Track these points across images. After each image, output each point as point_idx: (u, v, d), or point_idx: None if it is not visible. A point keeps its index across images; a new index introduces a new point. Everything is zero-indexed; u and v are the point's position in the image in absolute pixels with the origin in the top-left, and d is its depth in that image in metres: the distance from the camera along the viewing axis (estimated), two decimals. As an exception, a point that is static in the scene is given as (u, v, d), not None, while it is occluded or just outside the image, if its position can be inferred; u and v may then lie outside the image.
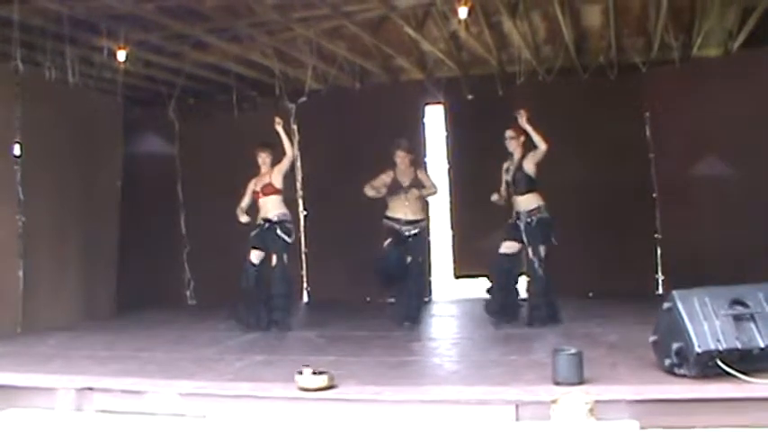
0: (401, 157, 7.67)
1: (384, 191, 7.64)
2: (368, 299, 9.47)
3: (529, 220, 7.20)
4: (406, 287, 7.63)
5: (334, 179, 9.73)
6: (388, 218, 7.63)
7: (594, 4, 8.75)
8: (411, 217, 7.63)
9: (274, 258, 7.52)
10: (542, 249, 7.15)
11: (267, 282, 7.56)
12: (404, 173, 7.68)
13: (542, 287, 7.14)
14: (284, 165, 7.68)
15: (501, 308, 7.36)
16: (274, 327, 7.44)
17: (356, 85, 10.51)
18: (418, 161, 9.82)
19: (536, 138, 7.11)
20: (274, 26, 8.63)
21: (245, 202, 7.70)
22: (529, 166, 7.26)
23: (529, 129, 7.12)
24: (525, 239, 7.21)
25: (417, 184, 7.63)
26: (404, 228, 7.59)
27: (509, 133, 7.36)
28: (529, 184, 7.26)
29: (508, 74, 10.00)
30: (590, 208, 9.11)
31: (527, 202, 7.26)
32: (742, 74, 8.27)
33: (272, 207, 7.59)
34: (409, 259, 7.59)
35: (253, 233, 7.57)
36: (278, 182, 7.62)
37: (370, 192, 7.67)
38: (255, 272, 7.55)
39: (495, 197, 7.47)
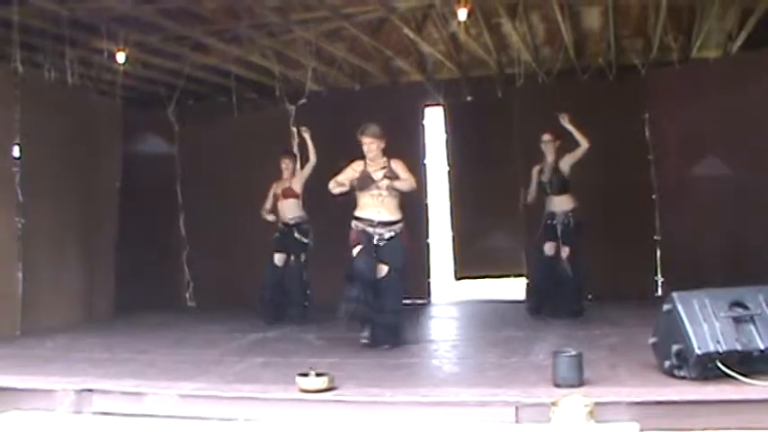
0: (368, 144, 6.39)
1: (347, 186, 6.43)
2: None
3: (567, 221, 7.62)
4: (381, 303, 6.29)
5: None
6: (358, 218, 6.42)
7: (594, 6, 8.76)
8: (385, 218, 6.37)
9: (293, 258, 8.15)
10: (568, 250, 7.64)
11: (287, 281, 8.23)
12: (375, 162, 6.44)
13: (574, 285, 7.68)
14: (306, 171, 8.13)
15: (540, 306, 7.77)
16: (293, 322, 7.92)
17: (356, 87, 10.52)
18: (415, 158, 9.82)
19: (579, 137, 7.51)
20: (274, 28, 8.65)
21: (268, 204, 8.30)
22: (565, 168, 7.66)
23: (572, 129, 7.52)
24: (561, 239, 7.63)
25: (391, 175, 6.38)
26: (376, 230, 6.35)
27: (546, 137, 7.75)
28: (564, 185, 7.68)
29: (507, 75, 10.01)
30: (589, 209, 9.10)
31: (564, 203, 7.68)
32: (741, 75, 8.26)
33: (289, 210, 8.16)
34: (385, 269, 6.31)
35: (275, 237, 8.17)
36: (297, 187, 8.14)
37: (335, 188, 6.54)
38: (278, 273, 8.14)
39: (529, 199, 7.91)
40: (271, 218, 8.26)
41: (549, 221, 7.78)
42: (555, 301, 7.82)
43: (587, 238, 7.80)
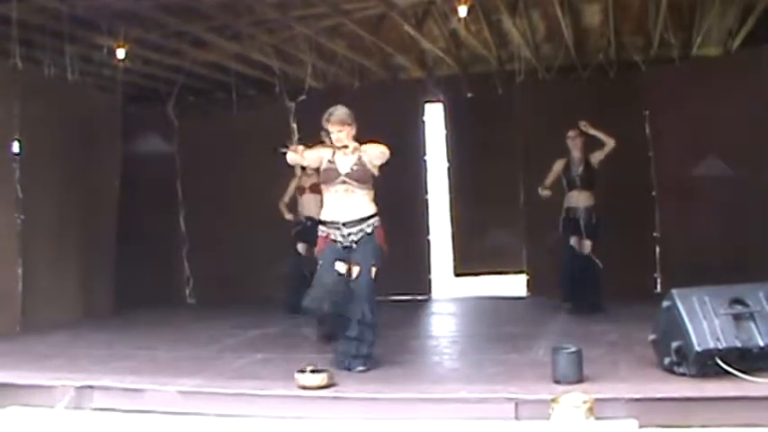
0: (336, 132, 5.37)
1: (300, 156, 5.42)
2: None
3: (589, 216, 7.75)
4: (352, 313, 5.23)
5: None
6: (323, 222, 5.47)
7: (594, 3, 8.75)
8: (353, 215, 5.33)
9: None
10: (591, 244, 7.77)
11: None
12: (345, 151, 5.40)
13: (595, 280, 7.78)
14: None
15: (579, 302, 7.74)
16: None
17: (355, 84, 10.50)
18: (415, 154, 9.80)
19: (603, 137, 7.66)
20: (274, 24, 8.64)
21: (287, 197, 8.56)
22: (594, 163, 7.77)
23: (595, 133, 7.69)
24: (584, 233, 7.73)
25: (361, 167, 5.37)
26: (342, 232, 5.33)
27: (572, 132, 7.83)
28: (592, 181, 7.79)
29: (508, 72, 10.01)
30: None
31: (587, 199, 7.77)
32: (741, 73, 8.26)
33: (316, 205, 8.13)
34: (356, 271, 5.28)
35: (297, 229, 8.43)
36: None
37: (292, 157, 5.50)
38: (302, 262, 8.26)
39: (546, 192, 7.82)
40: (289, 216, 8.48)
41: (570, 216, 7.81)
42: (577, 295, 7.84)
43: (604, 235, 7.83)
